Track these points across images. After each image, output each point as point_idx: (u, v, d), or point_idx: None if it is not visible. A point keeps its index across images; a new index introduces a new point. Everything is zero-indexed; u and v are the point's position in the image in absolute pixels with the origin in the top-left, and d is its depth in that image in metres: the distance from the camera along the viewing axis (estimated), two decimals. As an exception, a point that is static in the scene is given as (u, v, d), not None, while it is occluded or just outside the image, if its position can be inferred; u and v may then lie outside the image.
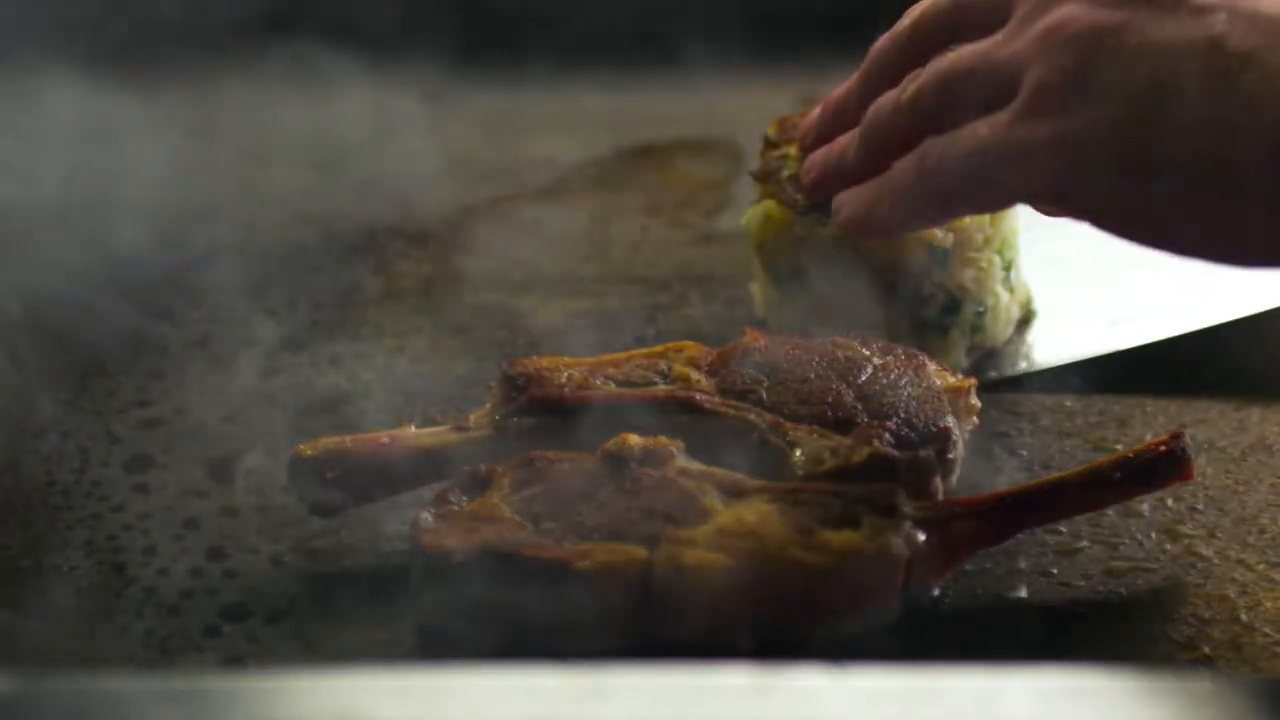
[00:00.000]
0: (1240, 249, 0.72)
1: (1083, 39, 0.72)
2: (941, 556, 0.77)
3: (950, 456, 0.82)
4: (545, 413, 0.84)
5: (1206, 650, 0.76)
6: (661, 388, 0.86)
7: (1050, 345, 0.99)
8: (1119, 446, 0.90)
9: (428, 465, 0.84)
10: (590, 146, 1.28)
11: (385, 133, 1.23)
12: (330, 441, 0.84)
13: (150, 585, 0.82)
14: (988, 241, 0.96)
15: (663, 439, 0.80)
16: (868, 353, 0.87)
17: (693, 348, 0.88)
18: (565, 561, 0.74)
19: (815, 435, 0.82)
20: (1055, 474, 0.82)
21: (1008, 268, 0.98)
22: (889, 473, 0.79)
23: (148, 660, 0.77)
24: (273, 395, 0.99)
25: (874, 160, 0.83)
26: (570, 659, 0.72)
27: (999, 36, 0.77)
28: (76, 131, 1.33)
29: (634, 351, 0.89)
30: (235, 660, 0.77)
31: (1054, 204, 0.78)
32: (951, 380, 0.87)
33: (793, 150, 0.97)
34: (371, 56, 1.23)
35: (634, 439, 0.80)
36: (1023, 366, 0.98)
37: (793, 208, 0.95)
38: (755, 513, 0.76)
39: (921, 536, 0.76)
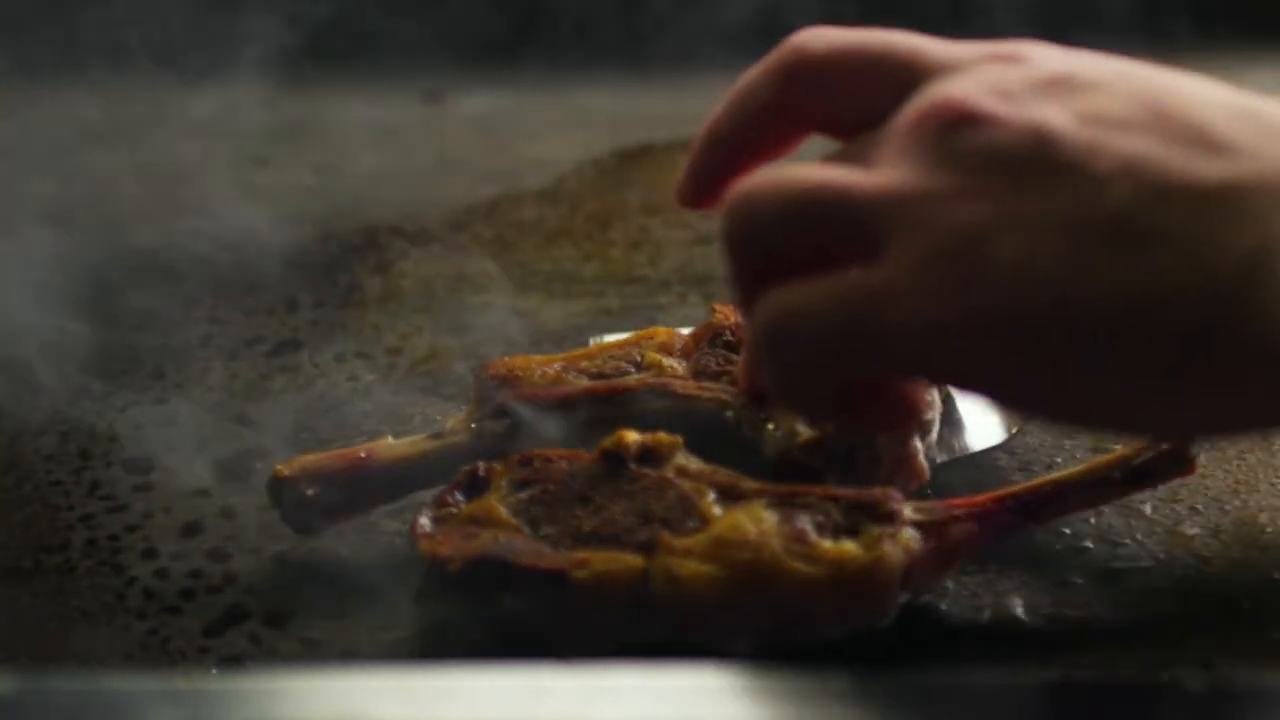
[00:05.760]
0: (1156, 426, 0.68)
1: (974, 211, 0.64)
2: (941, 558, 0.77)
3: (927, 417, 0.82)
4: (521, 413, 0.84)
5: (1207, 650, 0.76)
6: (634, 377, 0.85)
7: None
8: (1118, 447, 0.90)
9: (408, 475, 0.84)
10: (590, 146, 1.28)
11: (385, 133, 1.23)
12: (308, 459, 0.84)
13: (150, 585, 0.82)
14: None
15: (662, 435, 0.80)
16: None
17: (663, 333, 0.88)
18: (562, 571, 0.74)
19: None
20: (1055, 474, 0.82)
21: None
22: (865, 439, 0.79)
23: (148, 660, 0.77)
24: (273, 395, 0.99)
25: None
26: (570, 659, 0.72)
27: (871, 156, 0.68)
28: (75, 132, 1.34)
29: (605, 343, 0.88)
30: (235, 660, 0.77)
31: (935, 381, 0.75)
32: None
33: None
34: (372, 57, 1.23)
35: (631, 436, 0.79)
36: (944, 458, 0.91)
37: None
38: (751, 519, 0.75)
39: (920, 542, 0.75)
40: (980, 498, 0.79)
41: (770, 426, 0.81)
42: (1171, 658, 0.76)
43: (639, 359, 0.86)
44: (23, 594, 0.82)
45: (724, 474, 0.78)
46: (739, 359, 0.84)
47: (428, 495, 0.82)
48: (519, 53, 1.41)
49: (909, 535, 0.75)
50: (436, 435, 0.85)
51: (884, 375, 0.71)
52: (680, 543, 0.75)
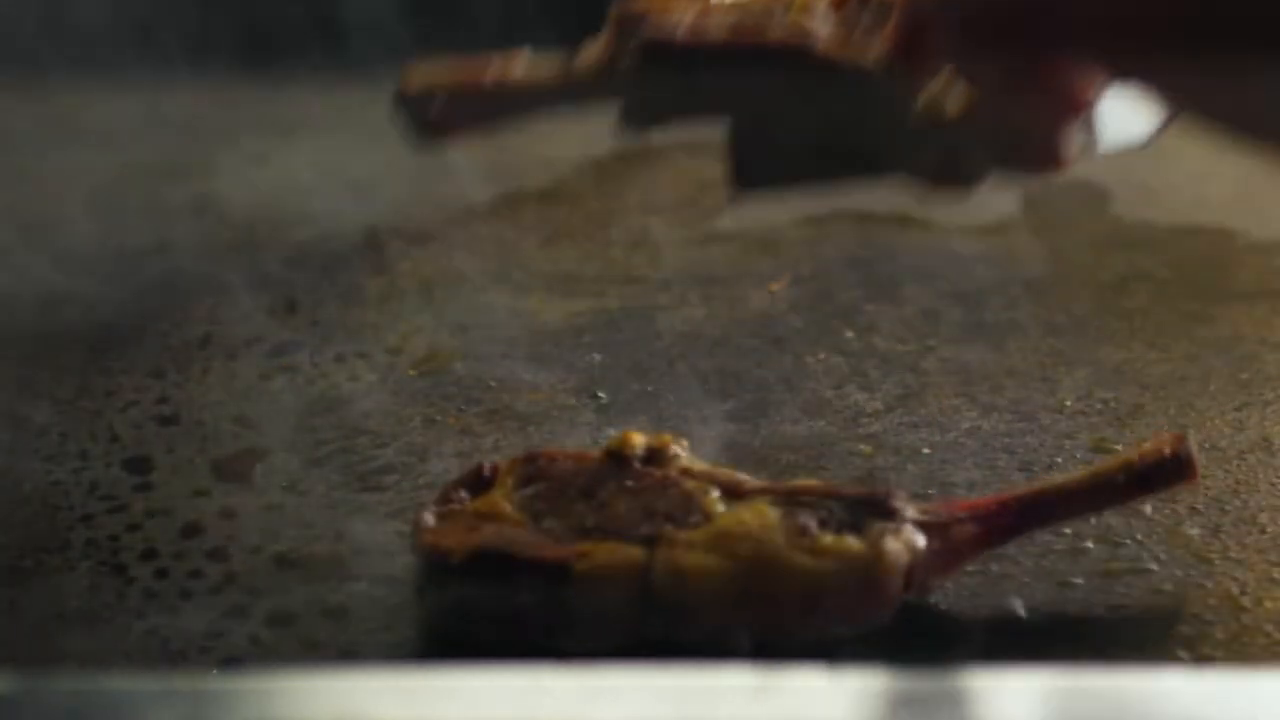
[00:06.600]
0: None
1: None
2: (942, 560, 0.77)
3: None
4: (655, 55, 0.81)
5: (1207, 650, 0.76)
6: (776, 32, 0.81)
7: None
8: (1119, 447, 0.90)
9: (535, 98, 0.81)
10: (590, 146, 1.28)
11: (385, 132, 1.23)
12: (435, 71, 0.82)
13: (150, 585, 0.82)
14: None
15: (665, 436, 0.80)
16: None
17: None
18: (564, 562, 0.74)
19: (941, 75, 0.77)
20: (1057, 477, 0.82)
21: None
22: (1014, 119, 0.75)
23: (148, 660, 0.77)
24: (273, 395, 0.99)
25: None
26: (570, 659, 0.72)
27: None
28: (75, 130, 1.33)
29: None
30: (235, 660, 0.77)
31: (1112, 67, 0.73)
32: None
33: None
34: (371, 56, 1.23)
35: (636, 437, 0.80)
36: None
37: None
38: (755, 514, 0.76)
39: (923, 541, 0.75)
40: (983, 500, 0.80)
41: (921, 96, 0.78)
42: (1172, 658, 0.76)
43: (783, 14, 0.82)
44: (23, 594, 0.82)
45: (727, 474, 0.79)
46: (889, 25, 0.80)
47: (428, 495, 0.82)
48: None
49: (912, 533, 0.76)
50: (570, 64, 0.82)
51: (1057, 59, 0.69)
52: (683, 535, 0.75)
